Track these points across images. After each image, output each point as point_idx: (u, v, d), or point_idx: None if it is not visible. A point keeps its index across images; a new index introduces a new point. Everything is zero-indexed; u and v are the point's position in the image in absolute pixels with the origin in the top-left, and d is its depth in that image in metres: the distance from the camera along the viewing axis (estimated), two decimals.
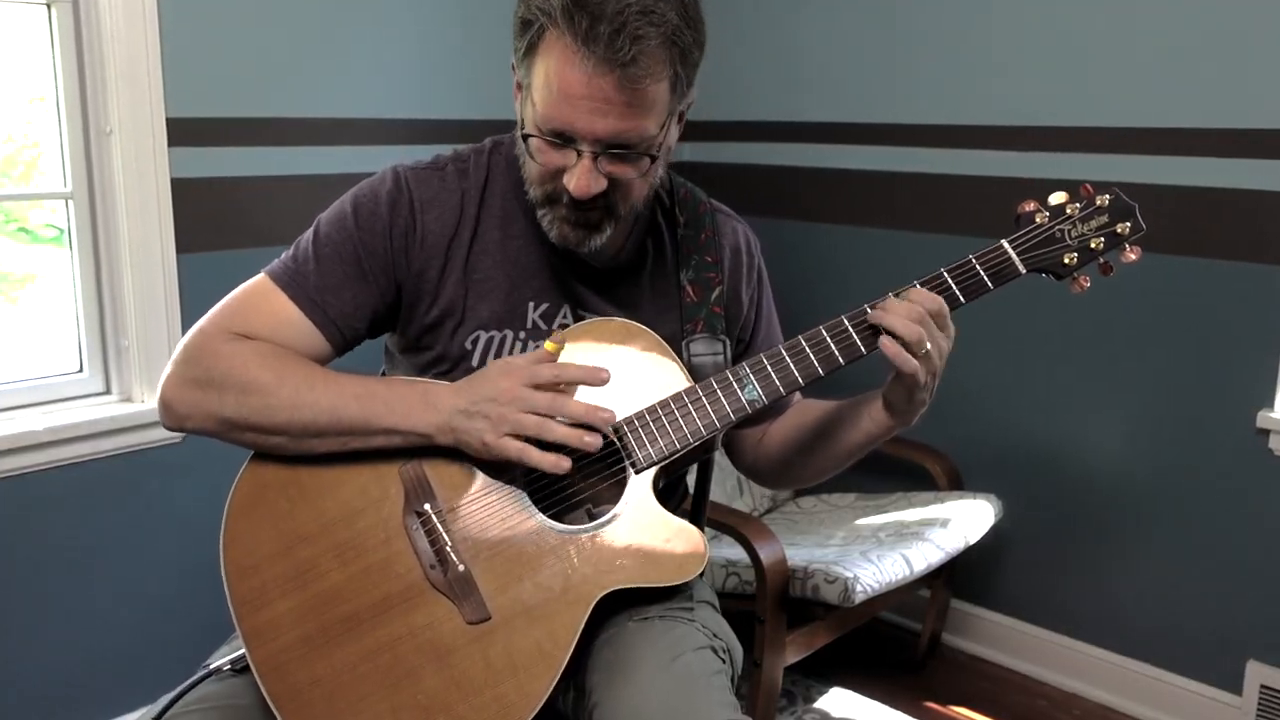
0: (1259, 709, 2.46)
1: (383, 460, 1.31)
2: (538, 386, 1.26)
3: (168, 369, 1.33)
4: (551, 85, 1.22)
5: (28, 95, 2.29)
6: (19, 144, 2.35)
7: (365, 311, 1.38)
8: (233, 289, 1.38)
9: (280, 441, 1.30)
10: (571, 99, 1.22)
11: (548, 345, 1.30)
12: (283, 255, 1.39)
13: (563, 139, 1.26)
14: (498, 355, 1.40)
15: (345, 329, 1.37)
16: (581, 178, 1.26)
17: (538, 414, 1.24)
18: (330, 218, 1.39)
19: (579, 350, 1.33)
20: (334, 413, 1.28)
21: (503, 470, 1.31)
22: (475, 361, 1.39)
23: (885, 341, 1.27)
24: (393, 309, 1.41)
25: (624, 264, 1.44)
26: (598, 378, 1.28)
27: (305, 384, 1.29)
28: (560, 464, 1.25)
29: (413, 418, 1.28)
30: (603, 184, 1.27)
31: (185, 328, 2.29)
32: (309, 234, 1.39)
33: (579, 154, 1.26)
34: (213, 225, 2.40)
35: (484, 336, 1.40)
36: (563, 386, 1.28)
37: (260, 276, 1.38)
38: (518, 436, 1.24)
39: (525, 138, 1.30)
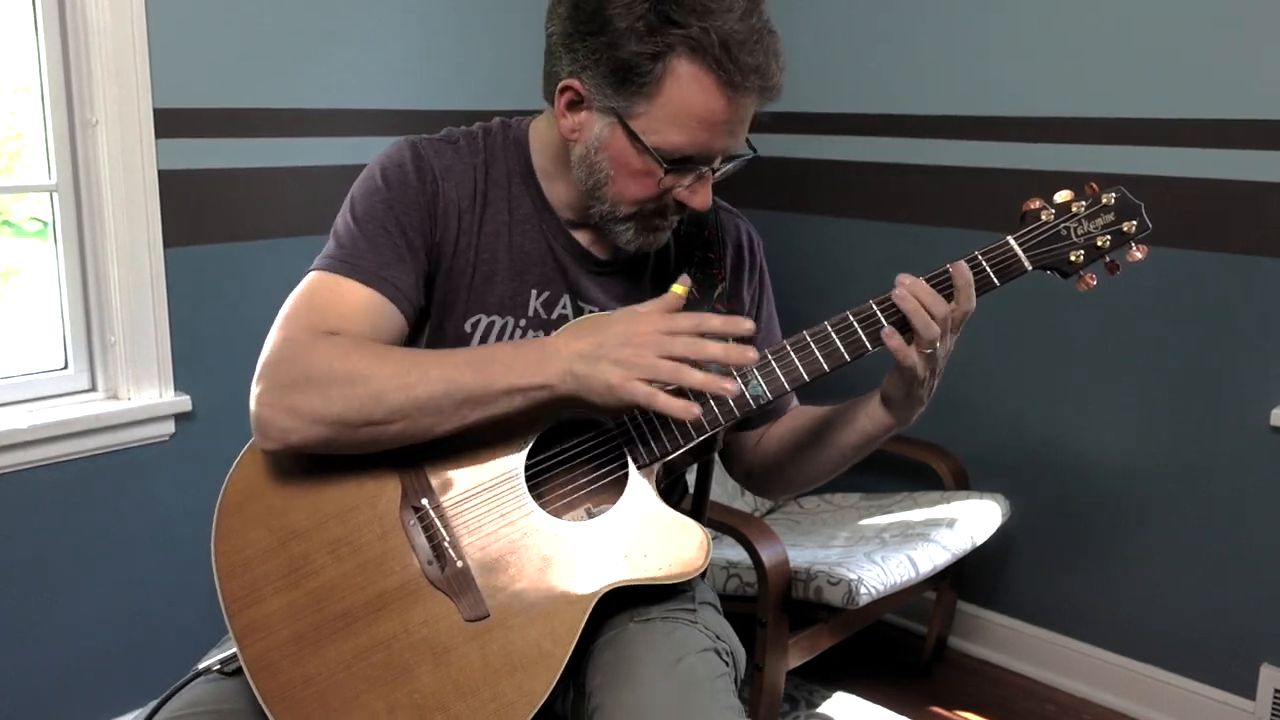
0: (1273, 713, 2.47)
1: (379, 455, 1.31)
2: (674, 334, 1.23)
3: (255, 388, 1.26)
4: (690, 116, 1.25)
5: (11, 85, 2.30)
6: (2, 135, 2.35)
7: (420, 281, 1.36)
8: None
9: (399, 429, 1.24)
10: (713, 125, 1.26)
11: (676, 289, 1.27)
12: (325, 249, 1.36)
13: (687, 162, 1.29)
14: (497, 342, 1.39)
15: (414, 301, 1.35)
16: (708, 193, 1.33)
17: (674, 358, 1.21)
18: (363, 194, 1.37)
19: None
20: (449, 382, 1.23)
21: (503, 462, 1.31)
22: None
23: (888, 333, 1.28)
24: (431, 278, 1.39)
25: (626, 259, 1.45)
26: (740, 328, 1.25)
27: (409, 362, 1.25)
28: (690, 410, 1.21)
29: (534, 372, 1.23)
30: None
31: (173, 323, 2.34)
32: (346, 219, 1.36)
33: (701, 173, 1.30)
34: (201, 218, 2.40)
35: (485, 321, 1.40)
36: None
37: (313, 275, 1.34)
38: (647, 381, 1.21)
39: (665, 169, 1.29)
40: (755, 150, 1.35)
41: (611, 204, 1.34)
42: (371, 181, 1.38)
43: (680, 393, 1.22)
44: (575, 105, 1.32)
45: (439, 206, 1.38)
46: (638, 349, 1.21)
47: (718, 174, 1.33)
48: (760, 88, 1.25)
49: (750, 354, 1.22)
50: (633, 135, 1.28)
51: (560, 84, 1.32)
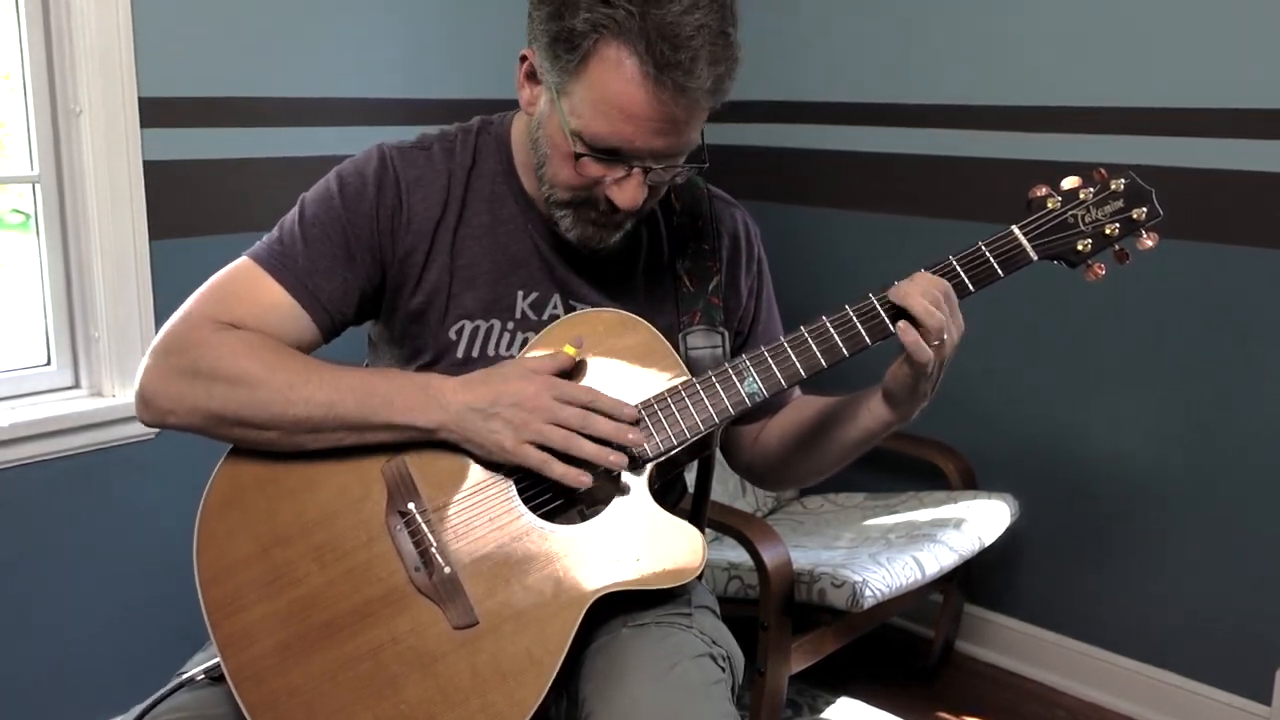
0: None
1: (365, 457, 1.31)
2: (564, 403, 1.27)
3: (147, 360, 1.32)
4: (611, 104, 1.23)
5: None
6: None
7: (354, 295, 1.38)
8: (209, 277, 1.38)
9: (272, 437, 1.30)
10: (635, 119, 1.24)
11: (569, 350, 1.31)
12: (266, 237, 1.39)
13: (613, 155, 1.27)
14: (484, 346, 1.40)
15: (334, 313, 1.37)
16: (634, 192, 1.29)
17: (564, 428, 1.26)
18: (315, 197, 1.39)
19: (570, 341, 1.34)
20: (330, 408, 1.28)
21: (492, 468, 1.31)
22: (460, 353, 1.40)
23: (903, 327, 1.28)
24: (379, 292, 1.41)
25: (617, 252, 1.44)
26: (624, 414, 1.29)
27: (299, 377, 1.29)
28: (581, 479, 1.26)
29: (414, 413, 1.28)
30: (646, 193, 1.30)
31: (159, 317, 2.34)
32: (293, 214, 1.39)
33: (630, 169, 1.28)
34: (187, 210, 2.40)
35: (469, 326, 1.40)
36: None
37: (243, 260, 1.38)
38: (539, 446, 1.26)
39: (576, 154, 1.29)
40: (707, 162, 1.33)
41: (549, 186, 1.35)
42: (327, 187, 1.39)
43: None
44: (532, 77, 1.33)
45: (400, 220, 1.38)
46: (529, 413, 1.26)
47: (651, 178, 1.30)
48: (682, 86, 1.21)
49: (636, 438, 1.28)
50: (561, 117, 1.28)
51: (521, 52, 1.33)
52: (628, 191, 1.29)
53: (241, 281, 1.36)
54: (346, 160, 1.42)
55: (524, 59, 1.33)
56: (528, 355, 1.34)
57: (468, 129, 1.46)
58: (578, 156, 1.28)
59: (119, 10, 2.24)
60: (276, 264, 1.35)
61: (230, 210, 2.44)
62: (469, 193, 1.41)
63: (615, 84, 1.22)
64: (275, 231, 1.39)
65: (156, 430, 2.36)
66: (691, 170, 1.34)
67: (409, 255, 1.39)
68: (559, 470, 1.26)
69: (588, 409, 1.28)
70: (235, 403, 1.28)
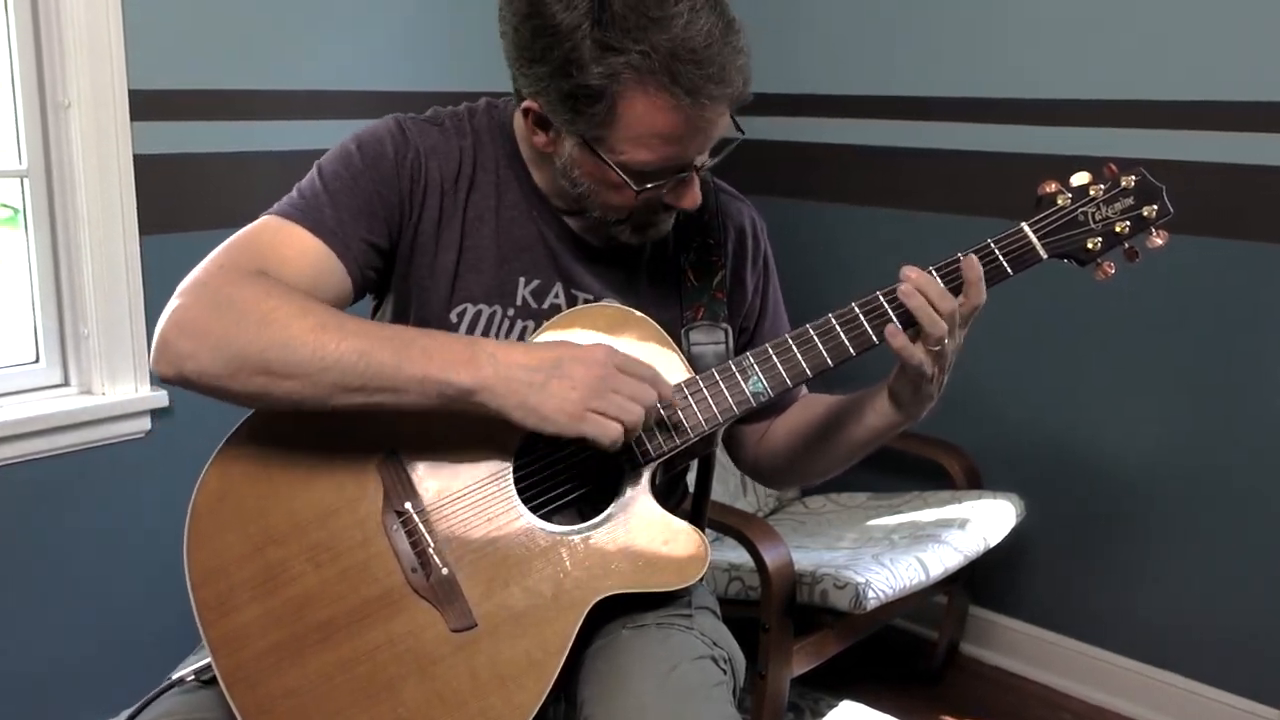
0: None
1: (360, 454, 1.30)
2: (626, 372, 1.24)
3: (173, 303, 1.24)
4: (653, 135, 1.25)
5: None
6: None
7: (376, 251, 1.35)
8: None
9: (294, 387, 1.21)
10: (680, 139, 1.25)
11: None
12: (284, 199, 1.35)
13: (667, 172, 1.29)
14: (484, 333, 1.39)
15: (364, 266, 1.34)
16: (694, 193, 1.33)
17: (623, 396, 1.22)
18: (334, 157, 1.37)
19: (571, 337, 1.33)
20: (363, 355, 1.20)
21: (492, 459, 1.31)
22: None
23: (891, 331, 1.27)
24: (394, 255, 1.38)
25: (622, 245, 1.43)
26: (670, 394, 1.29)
27: (332, 319, 1.22)
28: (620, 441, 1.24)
29: (454, 368, 1.20)
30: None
31: (149, 314, 2.33)
32: (311, 175, 1.36)
33: (684, 175, 1.30)
34: (179, 205, 2.39)
35: (471, 310, 1.40)
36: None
37: (265, 217, 1.33)
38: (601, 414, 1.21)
39: (637, 189, 1.29)
40: (742, 131, 1.33)
41: (601, 211, 1.35)
42: (345, 149, 1.37)
43: None
44: (542, 124, 1.32)
45: (420, 185, 1.37)
46: (599, 379, 1.22)
47: (703, 169, 1.32)
48: (717, 96, 1.22)
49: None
50: (600, 157, 1.28)
51: (523, 105, 1.32)
52: (689, 195, 1.33)
53: (268, 234, 1.31)
54: (361, 128, 1.39)
55: (528, 112, 1.31)
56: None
57: (474, 110, 1.45)
58: (639, 191, 1.29)
59: (108, 1, 2.23)
60: (303, 215, 1.31)
61: (222, 205, 2.44)
62: (478, 171, 1.41)
63: (653, 118, 1.23)
64: (294, 193, 1.35)
65: (146, 429, 2.36)
66: (730, 147, 1.34)
67: (422, 223, 1.37)
68: (614, 439, 1.21)
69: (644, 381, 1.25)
70: (261, 342, 1.19)
